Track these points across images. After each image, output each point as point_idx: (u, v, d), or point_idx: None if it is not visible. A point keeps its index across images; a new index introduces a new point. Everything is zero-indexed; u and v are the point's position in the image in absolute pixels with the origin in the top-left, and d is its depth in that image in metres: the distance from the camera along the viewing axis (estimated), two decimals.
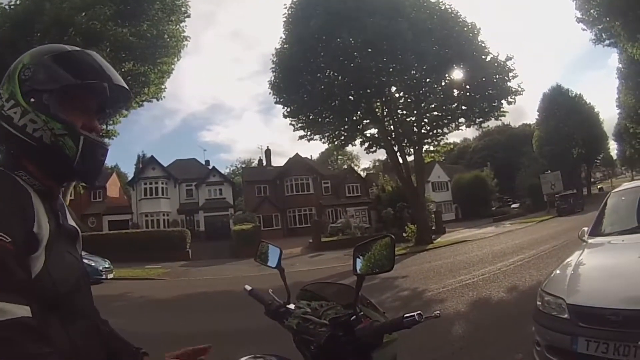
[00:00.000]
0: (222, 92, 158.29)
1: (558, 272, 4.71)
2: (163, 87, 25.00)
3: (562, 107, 60.94)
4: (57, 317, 1.14)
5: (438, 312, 1.68)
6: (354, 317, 1.60)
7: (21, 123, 1.23)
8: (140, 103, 24.58)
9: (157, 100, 25.38)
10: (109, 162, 65.96)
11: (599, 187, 77.53)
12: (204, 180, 50.53)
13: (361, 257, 1.65)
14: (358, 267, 1.62)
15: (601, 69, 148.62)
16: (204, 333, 7.55)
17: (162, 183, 47.95)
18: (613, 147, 75.10)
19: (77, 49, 1.36)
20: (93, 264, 16.91)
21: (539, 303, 4.35)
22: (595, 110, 64.61)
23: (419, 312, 1.49)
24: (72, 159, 1.25)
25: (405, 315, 1.51)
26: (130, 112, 24.80)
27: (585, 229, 5.68)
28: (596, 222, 5.59)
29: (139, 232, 34.29)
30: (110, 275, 18.21)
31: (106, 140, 1.55)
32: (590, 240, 5.27)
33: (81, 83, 1.27)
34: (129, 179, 53.75)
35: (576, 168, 63.56)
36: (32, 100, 1.23)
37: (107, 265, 18.34)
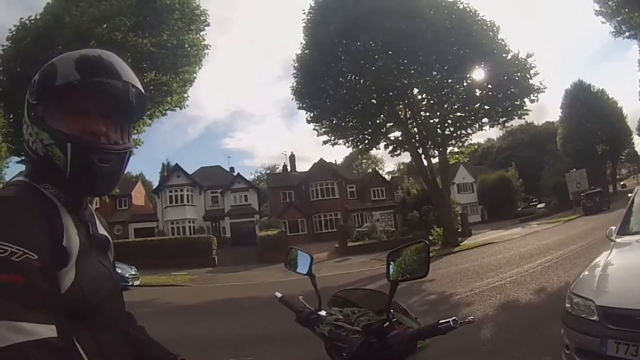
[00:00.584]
0: (244, 99, 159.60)
1: (586, 273, 4.65)
2: (185, 95, 25.34)
3: (585, 103, 59.78)
4: (86, 327, 1.13)
5: (472, 317, 1.67)
6: (387, 323, 1.57)
7: (27, 138, 1.22)
8: (164, 112, 24.90)
9: (180, 109, 25.73)
10: (134, 170, 66.93)
11: (621, 183, 75.64)
12: (229, 187, 50.86)
13: (394, 263, 1.63)
14: (391, 273, 1.60)
15: (622, 61, 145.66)
16: (230, 338, 7.54)
17: (187, 190, 48.34)
18: (638, 142, 73.55)
19: (85, 52, 1.26)
20: (119, 271, 17.00)
21: (567, 305, 4.30)
22: (619, 104, 63.28)
23: (454, 318, 1.45)
24: (64, 169, 1.18)
25: (440, 322, 1.47)
26: (154, 121, 25.13)
27: (613, 228, 5.57)
28: (624, 220, 5.49)
29: (164, 239, 34.59)
30: (137, 282, 18.42)
31: (122, 143, 1.31)
32: (618, 240, 5.19)
33: (68, 83, 1.18)
34: (154, 187, 54.28)
35: (601, 165, 62.25)
36: (32, 114, 1.22)
37: (133, 272, 18.56)
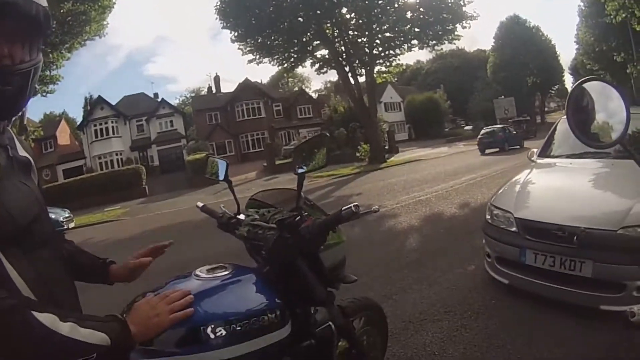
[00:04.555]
0: (165, 22, 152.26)
1: (506, 188, 4.90)
2: (105, 23, 23.97)
3: (519, 36, 59.99)
4: (18, 249, 1.13)
5: (377, 207, 1.78)
6: (299, 217, 1.68)
7: None
8: (83, 43, 23.52)
9: (99, 37, 24.36)
10: (56, 109, 63.36)
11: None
12: (154, 114, 49.13)
13: (299, 157, 1.75)
14: (297, 167, 1.71)
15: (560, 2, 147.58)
16: (169, 264, 7.46)
17: (112, 122, 46.50)
18: (569, 81, 75.69)
19: None
20: (53, 216, 16.38)
21: (488, 217, 4.54)
22: (552, 42, 64.47)
23: (355, 204, 1.58)
24: None
25: (343, 208, 1.60)
26: (73, 54, 23.69)
27: (535, 150, 5.84)
28: (545, 144, 5.69)
29: (93, 176, 33.34)
30: (71, 225, 17.85)
31: (29, 60, 1.21)
32: (538, 161, 5.41)
33: None
34: (79, 123, 51.86)
35: (530, 96, 63.88)
36: None
37: (67, 215, 17.95)
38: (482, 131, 30.82)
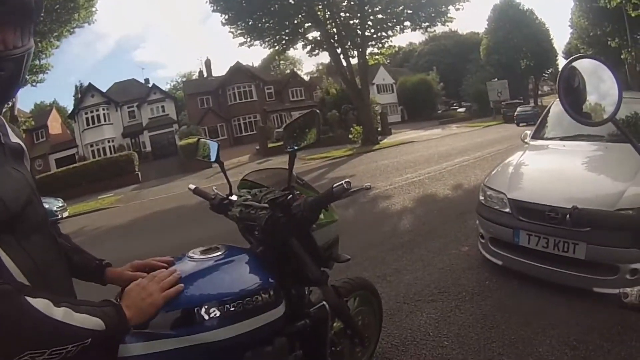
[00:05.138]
0: (154, 7, 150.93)
1: (499, 169, 4.89)
2: (93, 9, 23.83)
3: (512, 19, 59.33)
4: (11, 235, 1.13)
5: (368, 184, 1.78)
6: (290, 196, 1.67)
7: None
8: (72, 31, 23.36)
9: (89, 24, 24.23)
10: (46, 98, 62.61)
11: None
12: (145, 100, 48.61)
13: (290, 135, 1.73)
14: (288, 145, 1.69)
15: None
16: (162, 250, 7.42)
17: (103, 109, 46.05)
18: (563, 64, 75.27)
19: None
20: (47, 206, 16.15)
21: (481, 198, 4.56)
22: (546, 26, 64.03)
23: (347, 180, 1.57)
24: None
25: (334, 186, 1.59)
26: (62, 42, 23.55)
27: (528, 132, 5.82)
28: (538, 126, 5.69)
29: (86, 164, 33.02)
30: (65, 214, 17.78)
31: (21, 45, 1.19)
32: (532, 143, 5.41)
33: None
34: (70, 112, 51.45)
35: (523, 79, 63.59)
36: None
37: (60, 204, 17.88)
38: (518, 109, 37.63)
